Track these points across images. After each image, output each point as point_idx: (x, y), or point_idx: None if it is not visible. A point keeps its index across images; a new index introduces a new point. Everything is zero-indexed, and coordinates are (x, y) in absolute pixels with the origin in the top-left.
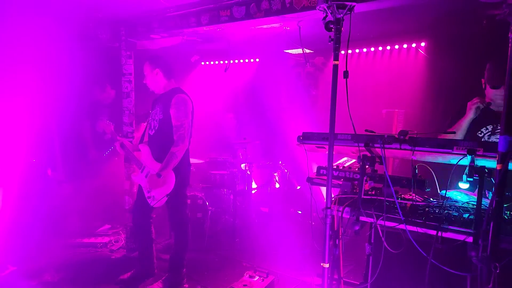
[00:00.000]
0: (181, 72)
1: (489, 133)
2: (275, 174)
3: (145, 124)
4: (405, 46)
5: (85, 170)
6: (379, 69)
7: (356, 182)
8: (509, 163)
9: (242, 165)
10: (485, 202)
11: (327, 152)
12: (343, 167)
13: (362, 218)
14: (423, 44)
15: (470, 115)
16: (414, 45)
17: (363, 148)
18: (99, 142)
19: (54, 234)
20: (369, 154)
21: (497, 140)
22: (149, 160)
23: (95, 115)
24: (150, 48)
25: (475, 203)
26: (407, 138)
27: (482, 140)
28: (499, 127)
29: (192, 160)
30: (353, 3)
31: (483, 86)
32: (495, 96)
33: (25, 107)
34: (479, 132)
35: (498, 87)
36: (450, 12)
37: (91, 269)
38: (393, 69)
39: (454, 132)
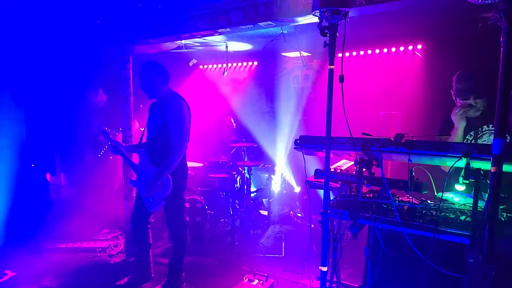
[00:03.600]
0: (179, 76)
1: (473, 139)
2: (274, 176)
3: (136, 123)
4: (401, 48)
5: (83, 174)
6: (376, 71)
7: (354, 185)
8: (504, 165)
9: (241, 168)
10: (482, 204)
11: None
12: (341, 170)
13: (360, 221)
14: (419, 46)
15: (461, 124)
16: (410, 47)
17: (360, 151)
18: (93, 144)
19: (53, 239)
20: (366, 157)
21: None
22: (147, 165)
23: (89, 118)
24: (148, 52)
25: (471, 205)
26: (403, 141)
27: None
28: (479, 132)
29: (191, 164)
30: (347, 9)
31: (454, 98)
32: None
33: (24, 110)
34: (465, 140)
35: (468, 98)
36: (446, 15)
37: (90, 274)
38: (390, 71)
39: (450, 135)
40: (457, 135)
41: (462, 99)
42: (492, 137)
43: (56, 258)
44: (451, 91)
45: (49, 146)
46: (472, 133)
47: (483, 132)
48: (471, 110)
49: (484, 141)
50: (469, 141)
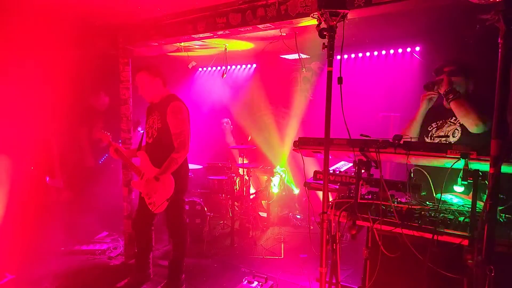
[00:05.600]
0: (179, 78)
1: (436, 127)
2: (273, 178)
3: (139, 130)
4: (400, 50)
5: (83, 177)
6: (374, 73)
7: (352, 186)
8: (502, 166)
9: (240, 170)
10: (480, 205)
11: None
12: (340, 171)
13: (359, 222)
14: (417, 48)
15: (423, 106)
16: (409, 49)
17: (359, 153)
18: (95, 149)
19: (53, 241)
20: (364, 159)
21: (442, 134)
22: (148, 167)
23: (91, 122)
24: (148, 55)
25: (470, 206)
26: (401, 142)
27: (430, 134)
28: (446, 122)
29: (190, 166)
30: (346, 11)
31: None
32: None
33: (23, 113)
34: (430, 126)
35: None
36: (444, 16)
37: (89, 276)
38: (388, 73)
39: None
40: (416, 118)
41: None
42: (450, 128)
43: (55, 260)
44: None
45: (48, 148)
46: (439, 122)
47: (446, 123)
48: (436, 95)
49: (444, 131)
50: (432, 128)
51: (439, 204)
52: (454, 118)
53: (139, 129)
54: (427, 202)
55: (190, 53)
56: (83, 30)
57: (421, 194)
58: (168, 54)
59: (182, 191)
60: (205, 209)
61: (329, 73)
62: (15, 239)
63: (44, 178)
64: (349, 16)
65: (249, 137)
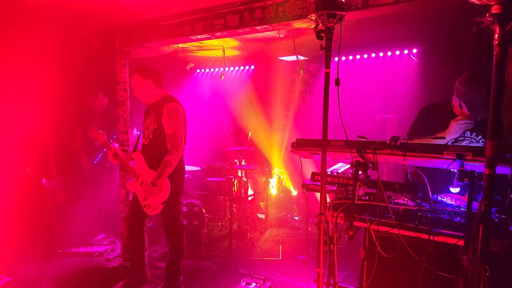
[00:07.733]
0: (176, 80)
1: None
2: (271, 180)
3: (135, 132)
4: (397, 52)
5: (79, 178)
6: (372, 75)
7: (350, 187)
8: (497, 167)
9: (238, 172)
10: (476, 206)
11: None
12: (337, 173)
13: (356, 223)
14: (415, 50)
15: (452, 134)
16: (406, 51)
17: (356, 154)
18: (89, 149)
19: (50, 243)
20: (362, 160)
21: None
22: (144, 169)
23: (85, 122)
24: (145, 56)
25: (465, 207)
26: (398, 143)
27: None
28: (465, 139)
29: (189, 168)
30: (343, 12)
31: (458, 105)
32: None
33: (20, 115)
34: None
35: (483, 113)
36: (441, 18)
37: (87, 278)
38: (386, 75)
39: (443, 137)
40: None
41: (473, 113)
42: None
43: (53, 263)
44: (454, 97)
45: (45, 150)
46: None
47: (465, 138)
48: (472, 125)
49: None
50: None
51: (435, 204)
52: (474, 134)
53: (135, 131)
54: (424, 203)
55: (188, 55)
56: (80, 31)
57: (418, 195)
58: (166, 55)
59: (178, 193)
60: (203, 210)
61: (327, 75)
62: (12, 242)
63: (40, 180)
64: (346, 18)
65: (249, 134)
